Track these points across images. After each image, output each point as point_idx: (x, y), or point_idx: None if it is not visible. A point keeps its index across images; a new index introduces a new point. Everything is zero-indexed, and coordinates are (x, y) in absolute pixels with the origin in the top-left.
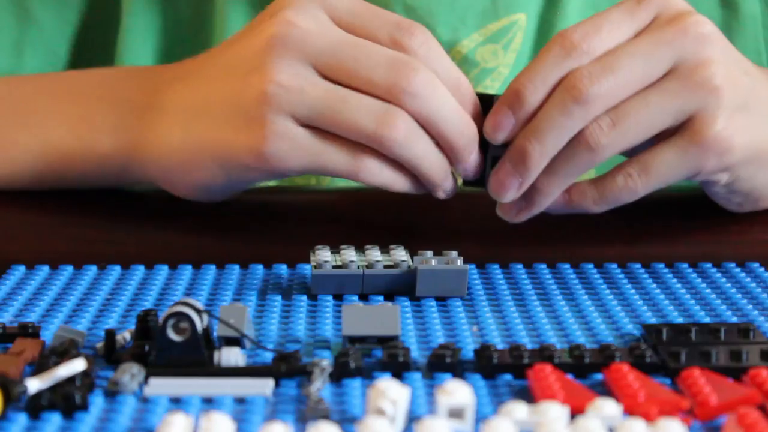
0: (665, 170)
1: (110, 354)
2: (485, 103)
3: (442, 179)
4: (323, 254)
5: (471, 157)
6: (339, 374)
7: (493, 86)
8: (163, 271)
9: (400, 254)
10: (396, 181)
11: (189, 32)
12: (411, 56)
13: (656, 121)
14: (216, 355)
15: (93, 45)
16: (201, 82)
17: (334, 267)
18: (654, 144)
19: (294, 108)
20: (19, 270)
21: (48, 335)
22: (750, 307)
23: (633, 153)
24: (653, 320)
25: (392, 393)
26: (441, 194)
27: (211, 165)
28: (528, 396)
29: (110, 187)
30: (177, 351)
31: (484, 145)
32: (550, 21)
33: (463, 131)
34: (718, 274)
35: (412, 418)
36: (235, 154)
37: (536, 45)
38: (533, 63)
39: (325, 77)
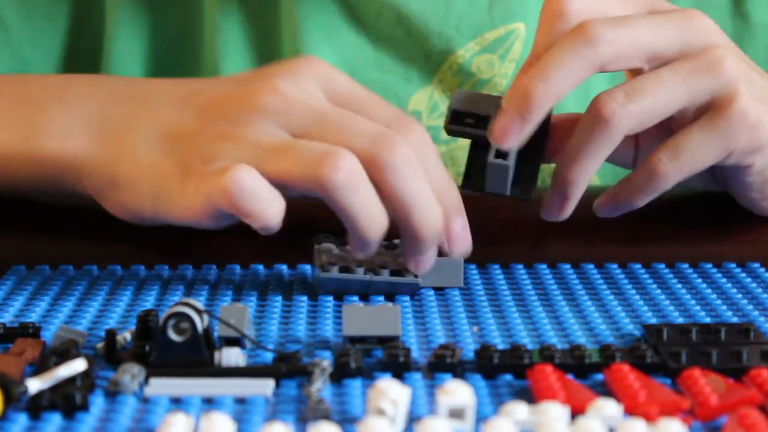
0: (696, 151)
1: (110, 354)
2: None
3: (374, 241)
4: (327, 247)
5: (427, 255)
6: (339, 374)
7: None
8: (163, 271)
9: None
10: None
11: (177, 43)
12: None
13: (673, 98)
14: (216, 355)
15: (78, 57)
16: (173, 111)
17: (341, 270)
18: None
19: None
20: (19, 270)
21: (48, 335)
22: (750, 307)
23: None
24: (653, 320)
25: (393, 393)
26: (359, 253)
27: (146, 192)
28: (528, 396)
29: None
30: (177, 351)
31: (481, 149)
32: None
33: (432, 224)
34: (719, 275)
35: (413, 419)
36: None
37: None
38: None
39: None
